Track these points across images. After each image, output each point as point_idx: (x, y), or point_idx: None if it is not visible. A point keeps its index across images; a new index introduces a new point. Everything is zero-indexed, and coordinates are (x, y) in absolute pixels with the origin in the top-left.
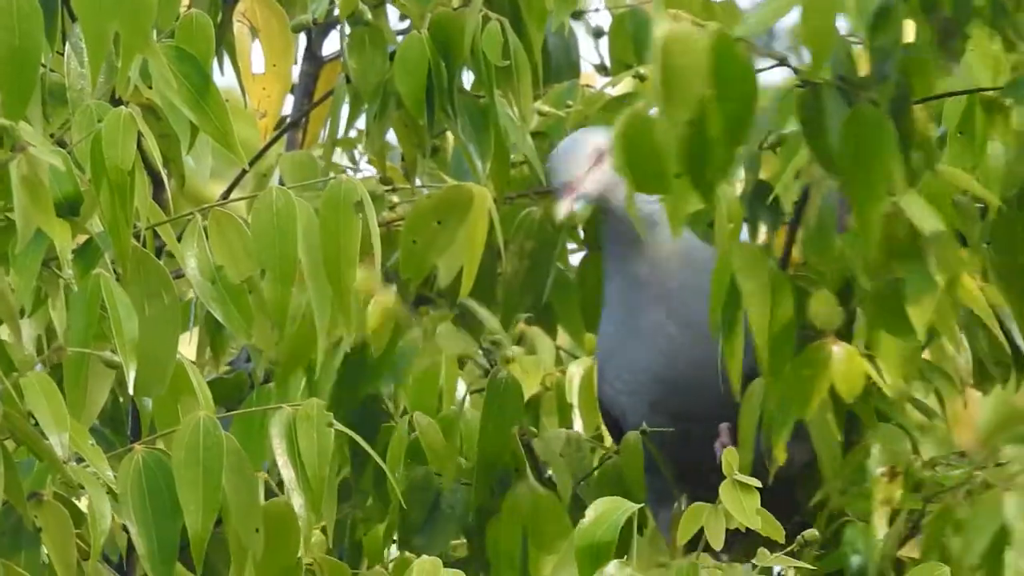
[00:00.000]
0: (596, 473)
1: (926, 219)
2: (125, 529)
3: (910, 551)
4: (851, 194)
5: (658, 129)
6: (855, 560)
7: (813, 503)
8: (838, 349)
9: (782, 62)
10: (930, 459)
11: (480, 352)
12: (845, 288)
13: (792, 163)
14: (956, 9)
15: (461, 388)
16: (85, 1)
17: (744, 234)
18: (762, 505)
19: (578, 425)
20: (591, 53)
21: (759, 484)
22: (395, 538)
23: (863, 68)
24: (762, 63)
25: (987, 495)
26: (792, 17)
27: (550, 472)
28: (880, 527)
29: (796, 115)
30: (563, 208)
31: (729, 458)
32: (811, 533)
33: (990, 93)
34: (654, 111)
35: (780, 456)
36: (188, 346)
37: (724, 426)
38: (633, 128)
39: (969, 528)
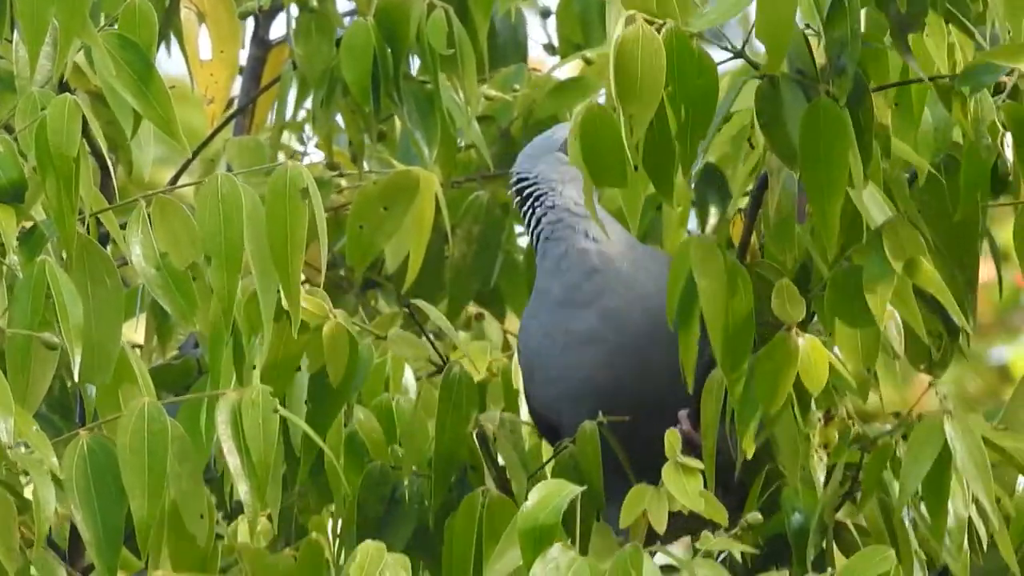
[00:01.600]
0: (553, 464)
1: (875, 208)
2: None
3: (847, 517)
4: (810, 186)
5: (616, 124)
6: (795, 519)
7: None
8: (803, 341)
9: (739, 55)
10: (864, 418)
11: (432, 350)
12: (802, 276)
13: (747, 152)
14: (912, 2)
15: (410, 376)
16: None
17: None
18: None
19: (525, 411)
20: (539, 33)
21: (701, 466)
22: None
23: (819, 59)
24: (719, 57)
25: (925, 421)
26: (748, 10)
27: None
28: (819, 470)
29: (754, 107)
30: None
31: (671, 440)
32: (754, 516)
33: (945, 80)
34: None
35: (749, 449)
36: (136, 333)
37: (683, 413)
38: (591, 122)
39: (909, 455)
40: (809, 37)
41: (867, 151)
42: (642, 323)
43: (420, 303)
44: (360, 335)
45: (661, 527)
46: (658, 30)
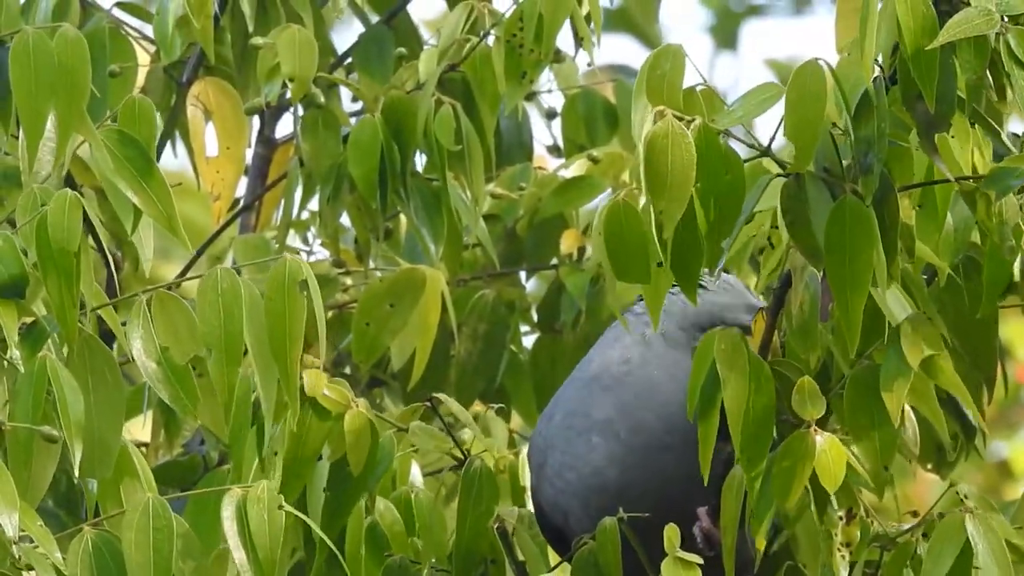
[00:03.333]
0: (572, 560)
1: (897, 308)
2: None
3: None
4: (834, 285)
5: (641, 219)
6: None
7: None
8: (821, 439)
9: (765, 153)
10: (883, 519)
11: (452, 444)
12: (822, 375)
13: (767, 251)
14: (940, 103)
15: (415, 471)
16: (21, 80)
17: None
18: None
19: (532, 507)
20: (543, 134)
21: (701, 561)
22: None
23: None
24: (742, 154)
25: (947, 520)
26: (775, 109)
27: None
28: (841, 568)
29: (779, 205)
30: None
31: (671, 535)
32: None
33: (971, 182)
34: (640, 199)
35: (761, 544)
36: (143, 429)
37: (703, 510)
38: (615, 217)
39: (931, 553)
40: (834, 136)
41: (891, 250)
42: (657, 425)
43: (442, 396)
44: (380, 425)
45: None
46: (685, 126)
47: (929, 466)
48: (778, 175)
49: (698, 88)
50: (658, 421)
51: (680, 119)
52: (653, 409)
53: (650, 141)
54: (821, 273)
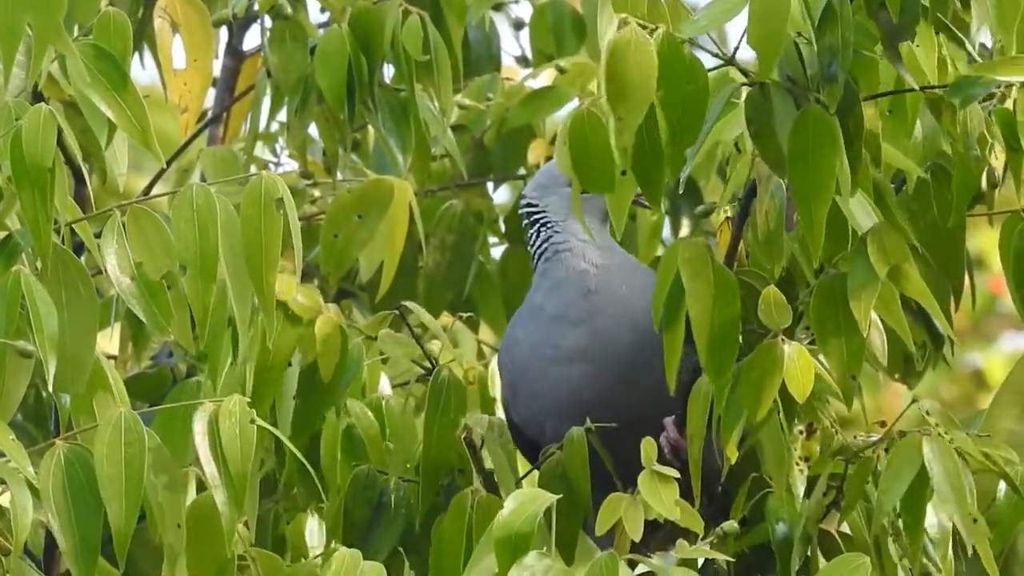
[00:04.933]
0: (540, 470)
1: (863, 216)
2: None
3: (831, 526)
4: (798, 193)
5: (605, 129)
6: (779, 529)
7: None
8: (789, 348)
9: (729, 62)
10: (844, 426)
11: (421, 352)
12: (788, 284)
13: (734, 159)
14: (903, 12)
15: (384, 382)
16: None
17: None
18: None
19: (501, 417)
20: (512, 45)
21: (678, 475)
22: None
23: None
24: (707, 63)
25: (904, 440)
26: (740, 17)
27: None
28: (799, 482)
29: (744, 115)
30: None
31: (648, 448)
32: (730, 525)
33: (936, 91)
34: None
35: (732, 455)
36: (110, 342)
37: (669, 420)
38: (579, 127)
39: (887, 473)
40: (800, 45)
41: (856, 159)
42: (631, 344)
43: (412, 305)
44: (350, 333)
45: (637, 535)
46: (649, 35)
47: (897, 376)
48: (742, 84)
49: None
50: (632, 338)
51: (644, 27)
52: (626, 328)
53: (612, 48)
54: (785, 184)
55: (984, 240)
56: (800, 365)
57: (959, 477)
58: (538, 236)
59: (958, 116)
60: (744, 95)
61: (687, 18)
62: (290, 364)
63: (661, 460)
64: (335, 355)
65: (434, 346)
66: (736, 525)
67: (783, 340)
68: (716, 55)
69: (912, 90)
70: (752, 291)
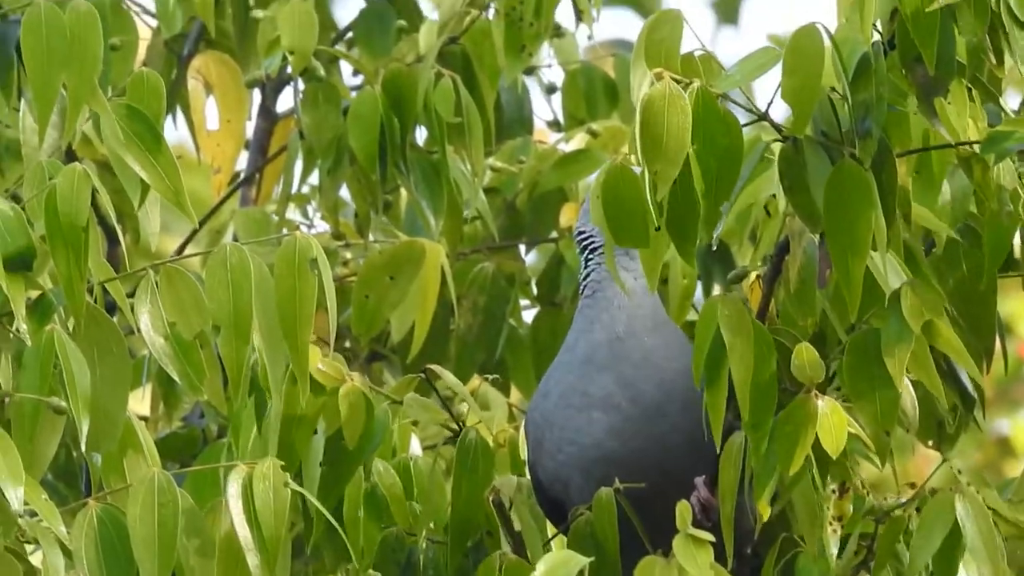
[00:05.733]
0: (569, 531)
1: (892, 275)
2: None
3: None
4: (834, 249)
5: (639, 184)
6: None
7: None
8: (823, 404)
9: (762, 117)
10: (879, 492)
11: (448, 417)
12: (819, 342)
13: (764, 219)
14: (940, 67)
15: (415, 444)
16: (33, 52)
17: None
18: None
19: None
20: (544, 109)
21: (713, 538)
22: None
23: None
24: (741, 118)
25: (937, 497)
26: (774, 76)
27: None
28: (832, 541)
29: (777, 170)
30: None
31: (683, 511)
32: None
33: (968, 147)
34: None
35: (765, 512)
36: (141, 402)
37: (700, 480)
38: (613, 182)
39: (920, 530)
40: (833, 100)
41: (890, 214)
42: (655, 395)
43: (437, 368)
44: (376, 399)
45: None
46: (683, 89)
47: (930, 442)
48: (776, 140)
49: (696, 53)
50: (657, 390)
51: (678, 82)
52: (651, 378)
53: (647, 103)
54: (817, 239)
55: (1012, 305)
56: (833, 420)
57: (992, 535)
58: (585, 265)
59: (991, 172)
60: (777, 151)
61: (720, 73)
62: (315, 432)
63: (692, 521)
64: (360, 423)
65: (463, 408)
66: None
67: (816, 395)
68: (749, 110)
69: (946, 146)
70: (783, 349)
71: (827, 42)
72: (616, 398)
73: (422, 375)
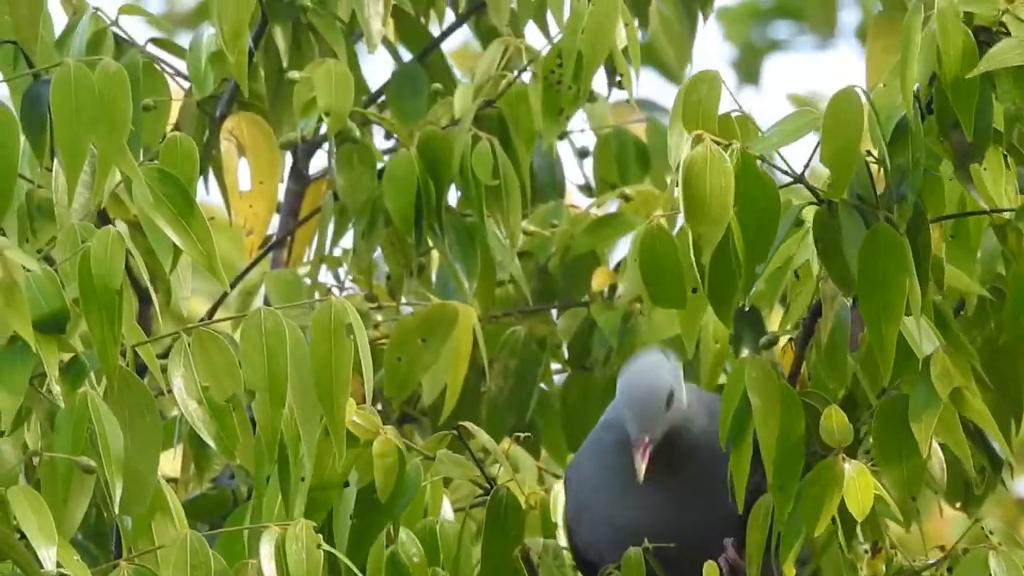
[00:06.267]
0: None
1: (924, 339)
2: None
3: None
4: (867, 313)
5: (676, 245)
6: None
7: None
8: (849, 467)
9: (799, 180)
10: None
11: (480, 474)
12: (849, 405)
13: (792, 283)
14: (977, 133)
15: (446, 506)
16: (62, 111)
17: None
18: None
19: (562, 543)
20: (575, 173)
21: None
22: None
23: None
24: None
25: (972, 554)
26: (810, 136)
27: None
28: None
29: (812, 233)
30: (641, 468)
31: (710, 571)
32: None
33: (1003, 215)
34: (675, 225)
35: (790, 574)
36: (172, 463)
37: (728, 541)
38: (650, 243)
39: None
40: (869, 163)
41: (924, 279)
42: (691, 474)
43: (469, 425)
44: (409, 454)
45: None
46: (723, 151)
47: (958, 504)
48: (811, 203)
49: (733, 114)
50: (693, 466)
51: (717, 143)
52: (688, 459)
53: (688, 165)
54: (850, 303)
55: None
56: (860, 483)
57: None
58: None
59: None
60: (812, 213)
61: (756, 134)
62: (347, 485)
63: None
64: (393, 476)
65: (495, 470)
66: None
67: (844, 459)
68: (785, 172)
69: (982, 212)
70: (813, 412)
71: (865, 107)
72: (650, 489)
73: (454, 432)
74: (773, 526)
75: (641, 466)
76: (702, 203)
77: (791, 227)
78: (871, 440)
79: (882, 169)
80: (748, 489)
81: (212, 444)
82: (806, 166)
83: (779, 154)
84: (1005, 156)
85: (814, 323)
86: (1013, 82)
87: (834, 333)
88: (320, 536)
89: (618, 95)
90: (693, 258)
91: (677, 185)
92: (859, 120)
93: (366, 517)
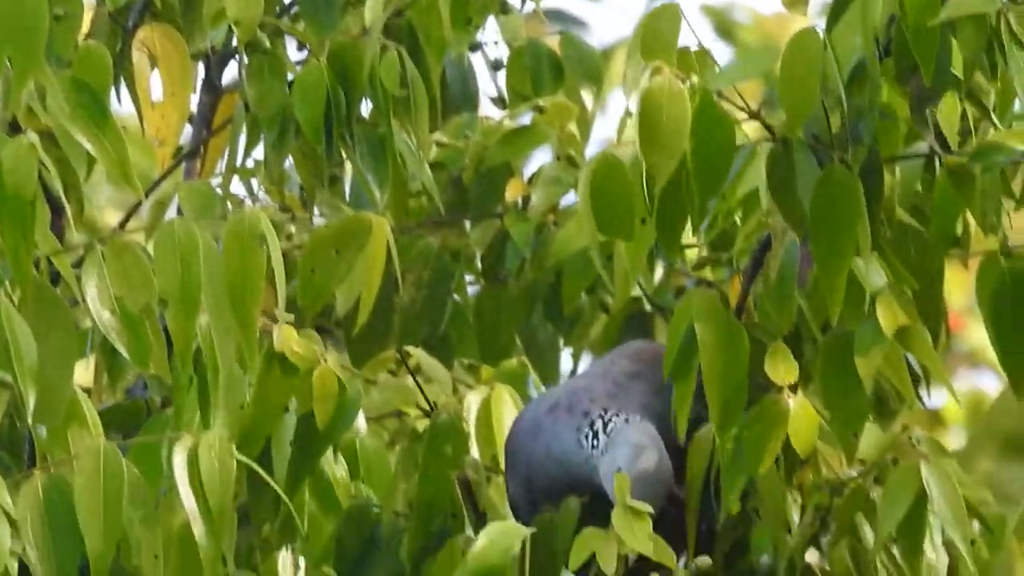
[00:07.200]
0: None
1: (873, 273)
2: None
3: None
4: (817, 253)
5: (627, 176)
6: (764, 562)
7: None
8: (794, 404)
9: (754, 116)
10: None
11: (422, 397)
12: (794, 337)
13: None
14: (936, 77)
15: (360, 419)
16: None
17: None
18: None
19: (474, 454)
20: (489, 85)
21: (652, 511)
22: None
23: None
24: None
25: (903, 465)
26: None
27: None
28: (793, 511)
29: (765, 170)
30: None
31: (620, 483)
32: (704, 561)
33: (955, 157)
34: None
35: (734, 508)
36: (85, 373)
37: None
38: (602, 172)
39: (886, 498)
40: (824, 104)
41: (875, 220)
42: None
43: (413, 349)
44: (349, 380)
45: (611, 569)
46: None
47: (871, 417)
48: (764, 139)
49: (692, 49)
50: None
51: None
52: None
53: (646, 95)
54: (800, 239)
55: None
56: (804, 420)
57: (958, 499)
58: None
59: (978, 183)
60: (766, 150)
61: (714, 70)
62: (287, 410)
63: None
64: (332, 404)
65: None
66: (710, 560)
67: (788, 395)
68: (742, 108)
69: (934, 154)
70: (759, 347)
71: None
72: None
73: (397, 355)
74: (713, 459)
75: None
76: (658, 134)
77: (743, 163)
78: (816, 376)
79: (838, 110)
80: (690, 419)
81: (125, 353)
82: (762, 103)
83: (736, 90)
84: (961, 101)
85: (763, 256)
86: (975, 29)
87: (783, 269)
88: (233, 445)
89: (531, 6)
90: (645, 188)
91: (630, 116)
92: (817, 60)
93: (305, 443)
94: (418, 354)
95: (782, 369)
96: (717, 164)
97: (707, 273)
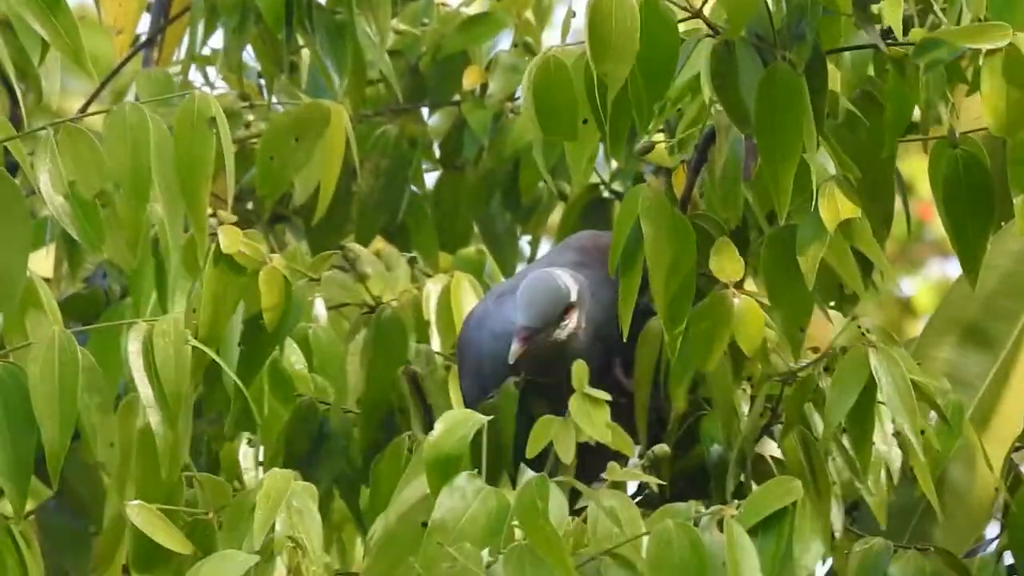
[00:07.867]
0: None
1: (824, 161)
2: None
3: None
4: (763, 152)
5: (570, 77)
6: (714, 451)
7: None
8: (739, 301)
9: (696, 15)
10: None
11: (368, 295)
12: (742, 228)
13: (691, 106)
14: None
15: (320, 307)
16: None
17: None
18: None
19: (435, 343)
20: None
21: (609, 397)
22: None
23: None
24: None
25: (851, 353)
26: None
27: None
28: (743, 401)
29: (708, 69)
30: (514, 353)
31: (578, 371)
32: (661, 448)
33: (898, 49)
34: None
35: (680, 404)
36: (45, 262)
37: (616, 360)
38: (546, 74)
39: (834, 387)
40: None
41: (820, 116)
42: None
43: (353, 246)
44: (294, 277)
45: (568, 457)
46: None
47: (831, 304)
48: (707, 36)
49: None
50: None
51: None
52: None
53: (595, 4)
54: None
55: (913, 165)
56: (750, 318)
57: (907, 387)
58: None
59: (922, 78)
60: (708, 45)
61: None
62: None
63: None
64: (279, 306)
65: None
66: (667, 448)
67: (734, 293)
68: (684, 8)
69: (873, 46)
70: (706, 238)
71: None
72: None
73: (337, 251)
74: (661, 354)
75: (518, 349)
76: (608, 41)
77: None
78: (760, 270)
79: (778, 6)
80: (638, 309)
81: (77, 237)
82: (704, 2)
83: None
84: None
85: (707, 148)
86: None
87: (728, 164)
88: (188, 332)
89: None
90: (598, 97)
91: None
92: None
93: (253, 343)
94: (376, 243)
95: (728, 267)
96: (663, 67)
97: (664, 159)
